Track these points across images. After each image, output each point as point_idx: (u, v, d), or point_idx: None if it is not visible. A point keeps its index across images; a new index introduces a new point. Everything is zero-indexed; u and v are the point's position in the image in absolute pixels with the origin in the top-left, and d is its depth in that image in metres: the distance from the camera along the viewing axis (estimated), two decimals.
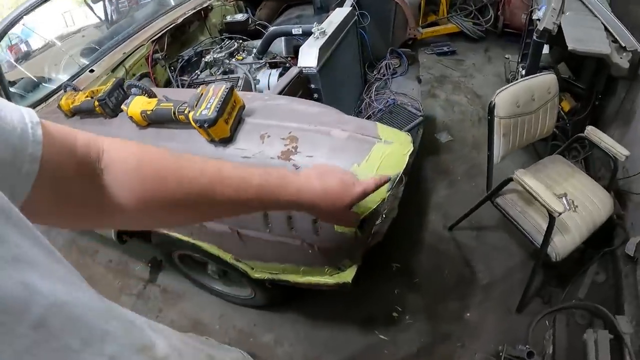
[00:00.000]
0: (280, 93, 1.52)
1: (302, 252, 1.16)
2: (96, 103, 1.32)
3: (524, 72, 2.22)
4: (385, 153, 0.94)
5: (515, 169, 2.23)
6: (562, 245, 1.48)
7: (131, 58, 1.88)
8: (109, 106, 1.32)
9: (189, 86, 2.08)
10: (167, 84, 2.11)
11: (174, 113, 1.12)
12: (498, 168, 1.69)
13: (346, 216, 0.74)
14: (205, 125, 1.00)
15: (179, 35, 2.25)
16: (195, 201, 0.56)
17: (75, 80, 1.74)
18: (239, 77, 1.96)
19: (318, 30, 1.72)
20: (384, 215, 1.70)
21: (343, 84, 2.04)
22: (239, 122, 1.10)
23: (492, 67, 3.28)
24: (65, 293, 0.26)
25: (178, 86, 2.06)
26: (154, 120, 1.19)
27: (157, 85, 2.06)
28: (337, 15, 1.91)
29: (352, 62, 2.18)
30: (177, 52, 2.25)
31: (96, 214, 0.50)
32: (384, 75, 2.42)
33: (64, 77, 1.83)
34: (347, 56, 2.05)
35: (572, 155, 2.15)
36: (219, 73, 2.07)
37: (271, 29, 1.98)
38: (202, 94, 1.06)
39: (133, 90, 1.28)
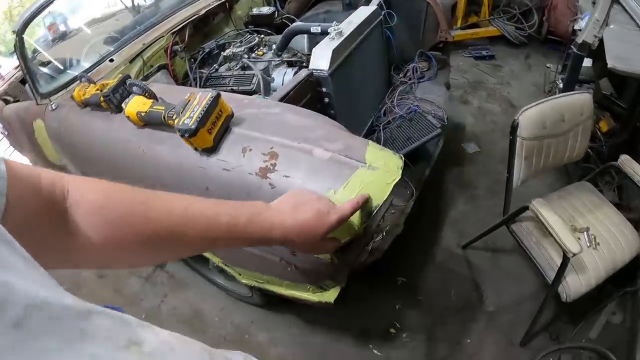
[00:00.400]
0: (285, 96, 1.48)
1: (282, 268, 1.13)
2: (101, 98, 1.34)
3: (561, 85, 2.04)
4: (366, 180, 0.88)
5: (540, 190, 2.09)
6: (574, 285, 1.36)
7: (150, 49, 1.89)
8: (113, 102, 1.33)
9: (207, 80, 2.07)
10: (186, 76, 2.11)
11: (164, 117, 1.11)
12: (522, 187, 1.56)
13: (322, 245, 0.72)
14: (186, 135, 0.98)
15: (202, 27, 2.24)
16: (161, 242, 0.55)
17: (96, 69, 1.77)
18: (254, 74, 1.92)
19: (335, 30, 1.65)
20: (384, 234, 1.64)
21: (362, 86, 1.96)
22: (225, 130, 1.08)
23: (531, 76, 3.07)
24: (44, 294, 0.26)
25: (195, 79, 2.06)
26: (147, 122, 1.19)
27: (175, 78, 2.07)
28: (359, 15, 1.82)
29: (375, 64, 2.09)
30: (199, 44, 2.24)
31: (62, 254, 0.50)
32: (410, 79, 2.31)
33: (87, 64, 1.86)
34: (368, 58, 1.96)
35: (605, 180, 1.96)
36: (236, 68, 2.05)
37: (290, 26, 1.93)
38: (188, 101, 1.04)
39: (134, 89, 1.28)
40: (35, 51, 2.00)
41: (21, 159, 3.93)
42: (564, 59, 2.29)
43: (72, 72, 1.84)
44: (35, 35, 2.18)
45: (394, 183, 0.86)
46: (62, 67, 1.88)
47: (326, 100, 1.69)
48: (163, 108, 1.13)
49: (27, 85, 1.79)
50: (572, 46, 1.66)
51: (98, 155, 1.46)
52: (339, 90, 1.71)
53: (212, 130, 1.03)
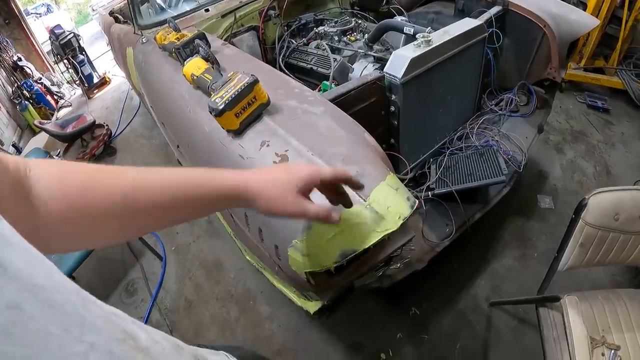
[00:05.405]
0: (344, 94, 1.43)
1: (272, 264, 1.13)
2: (173, 49, 1.41)
3: None
4: (354, 221, 0.81)
5: (598, 277, 1.82)
6: None
7: (245, 8, 1.92)
8: (182, 56, 1.39)
9: (292, 51, 2.07)
10: (275, 42, 2.12)
11: (208, 87, 1.13)
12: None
13: (294, 202, 0.65)
14: (213, 114, 1.00)
15: None
16: (122, 209, 0.55)
17: (190, 15, 1.86)
18: (335, 58, 1.87)
19: (423, 38, 1.52)
20: (399, 265, 1.55)
21: (441, 104, 1.80)
22: (256, 117, 1.07)
23: None
24: (43, 276, 0.26)
25: (283, 47, 2.07)
26: (197, 86, 1.23)
27: (264, 42, 2.10)
28: (458, 27, 1.65)
29: (465, 83, 1.90)
30: (298, 13, 2.23)
31: (32, 236, 0.45)
32: (501, 109, 2.07)
33: (187, 7, 1.95)
34: (458, 75, 1.78)
35: None
36: (324, 48, 2.01)
37: (384, 20, 1.82)
38: (229, 79, 1.04)
39: (200, 49, 1.33)
40: None
41: (119, 72, 4.38)
42: None
43: (171, 12, 1.94)
44: None
45: (384, 233, 0.79)
46: (164, 6, 1.99)
47: (392, 108, 1.59)
48: (211, 78, 1.15)
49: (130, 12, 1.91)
50: None
51: (161, 97, 1.55)
52: (410, 101, 1.60)
53: (241, 115, 1.02)
